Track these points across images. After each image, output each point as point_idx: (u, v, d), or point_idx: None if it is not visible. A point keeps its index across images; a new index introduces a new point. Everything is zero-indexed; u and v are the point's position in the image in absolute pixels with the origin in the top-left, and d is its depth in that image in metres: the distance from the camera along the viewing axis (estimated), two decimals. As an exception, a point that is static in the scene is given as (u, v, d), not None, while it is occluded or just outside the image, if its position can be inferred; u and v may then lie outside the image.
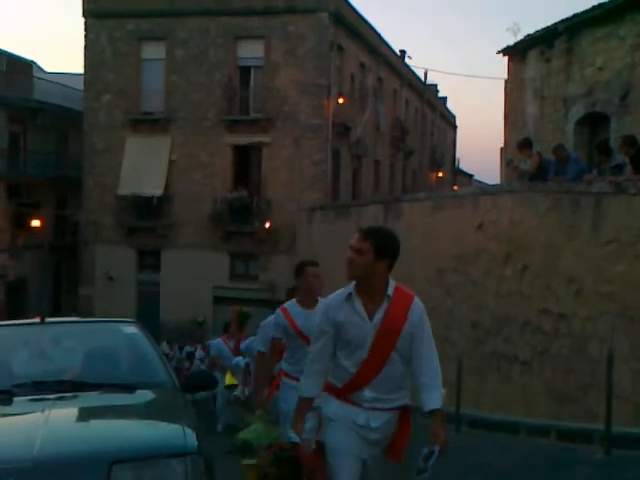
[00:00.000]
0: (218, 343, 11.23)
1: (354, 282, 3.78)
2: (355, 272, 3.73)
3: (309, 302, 5.46)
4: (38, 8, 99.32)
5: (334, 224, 19.59)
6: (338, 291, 3.87)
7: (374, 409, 3.74)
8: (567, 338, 9.77)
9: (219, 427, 10.89)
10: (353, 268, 3.72)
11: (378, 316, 3.70)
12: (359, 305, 3.74)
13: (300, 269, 5.52)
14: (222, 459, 4.29)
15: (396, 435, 3.82)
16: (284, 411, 5.33)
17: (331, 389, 3.87)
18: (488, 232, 11.62)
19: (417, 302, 3.79)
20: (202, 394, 11.98)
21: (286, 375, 5.58)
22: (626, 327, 8.69)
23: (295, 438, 3.80)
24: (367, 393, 3.72)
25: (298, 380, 4.96)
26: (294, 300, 5.62)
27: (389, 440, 3.81)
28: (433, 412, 3.67)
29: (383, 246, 3.71)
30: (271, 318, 6.32)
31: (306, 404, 3.92)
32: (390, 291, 3.75)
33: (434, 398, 3.69)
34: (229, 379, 10.53)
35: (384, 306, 3.72)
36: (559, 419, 9.19)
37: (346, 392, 3.77)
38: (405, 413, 3.84)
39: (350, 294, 3.78)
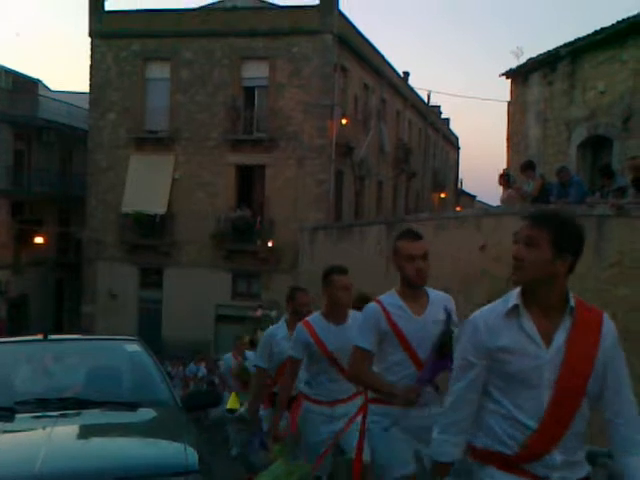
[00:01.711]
0: (228, 358, 11.07)
1: (518, 289, 2.68)
2: (524, 274, 2.62)
3: (337, 316, 4.67)
4: (44, 27, 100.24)
5: (337, 244, 19.60)
6: (491, 304, 2.74)
7: None
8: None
9: (233, 452, 10.39)
10: (521, 268, 2.62)
11: (559, 339, 2.58)
12: (529, 323, 2.60)
13: (325, 278, 4.67)
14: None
15: None
16: (310, 443, 4.70)
17: (491, 457, 2.67)
18: (491, 253, 11.63)
19: (608, 320, 2.73)
20: (216, 417, 11.58)
21: (307, 398, 4.79)
22: (628, 351, 8.65)
23: None
24: (557, 457, 2.57)
25: (321, 404, 4.65)
26: (318, 313, 4.78)
27: None
28: None
29: (565, 237, 2.61)
30: (272, 328, 5.83)
31: (443, 470, 2.79)
32: (572, 302, 2.65)
33: None
34: (232, 402, 10.21)
35: (566, 325, 2.61)
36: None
37: (525, 460, 2.60)
38: None
39: (515, 307, 2.63)
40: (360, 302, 4.81)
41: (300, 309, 5.46)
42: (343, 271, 4.64)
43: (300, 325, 4.74)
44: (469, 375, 2.68)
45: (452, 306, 3.78)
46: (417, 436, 3.67)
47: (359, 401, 4.49)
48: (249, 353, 10.49)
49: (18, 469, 3.38)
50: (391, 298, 3.79)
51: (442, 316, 3.60)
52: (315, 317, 4.73)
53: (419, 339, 3.67)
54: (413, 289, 3.77)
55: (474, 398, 2.70)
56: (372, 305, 3.81)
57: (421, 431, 3.58)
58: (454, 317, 3.67)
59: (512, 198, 12.35)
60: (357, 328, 3.87)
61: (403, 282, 3.79)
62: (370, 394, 3.92)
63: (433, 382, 3.64)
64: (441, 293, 3.88)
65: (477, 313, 2.73)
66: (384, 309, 3.73)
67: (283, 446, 4.80)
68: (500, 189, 13.14)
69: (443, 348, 3.45)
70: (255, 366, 5.82)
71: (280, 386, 5.10)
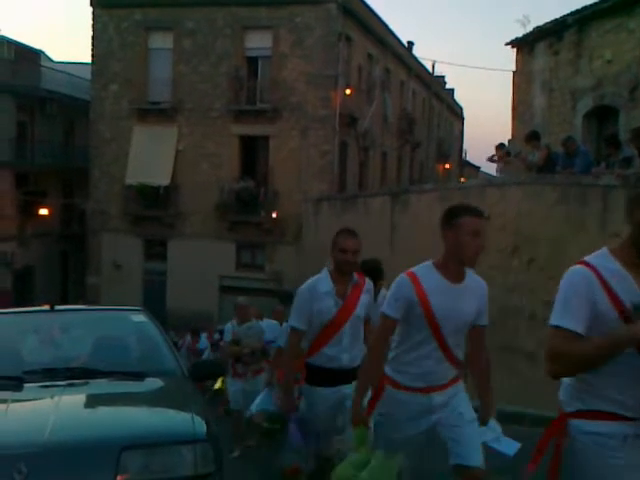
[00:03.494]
0: (230, 327, 10.11)
1: None
2: None
3: (456, 271, 3.48)
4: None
5: (341, 215, 19.59)
6: None
7: None
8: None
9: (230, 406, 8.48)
10: None
11: None
12: None
13: (450, 216, 3.45)
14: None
15: None
16: (397, 440, 3.60)
17: None
18: (495, 224, 11.61)
19: None
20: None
21: (394, 384, 3.58)
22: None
23: None
24: None
25: (414, 391, 3.51)
26: (430, 263, 3.57)
27: None
28: None
29: None
30: (313, 280, 4.50)
31: None
32: None
33: None
34: (220, 382, 9.11)
35: None
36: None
37: None
38: None
39: None
40: (369, 270, 4.58)
41: (344, 268, 4.39)
42: (478, 213, 3.45)
43: (404, 276, 3.55)
44: None
45: None
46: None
47: (456, 388, 3.62)
48: (228, 326, 8.52)
49: (27, 437, 3.41)
50: (607, 261, 2.59)
51: None
52: (425, 268, 3.55)
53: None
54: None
55: None
56: (579, 268, 2.58)
57: None
58: None
59: (512, 167, 12.34)
60: (557, 302, 2.65)
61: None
62: (573, 405, 2.76)
63: None
64: None
65: None
66: (599, 275, 2.54)
67: (364, 430, 3.62)
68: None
69: None
70: (290, 327, 4.59)
71: (369, 356, 3.76)
